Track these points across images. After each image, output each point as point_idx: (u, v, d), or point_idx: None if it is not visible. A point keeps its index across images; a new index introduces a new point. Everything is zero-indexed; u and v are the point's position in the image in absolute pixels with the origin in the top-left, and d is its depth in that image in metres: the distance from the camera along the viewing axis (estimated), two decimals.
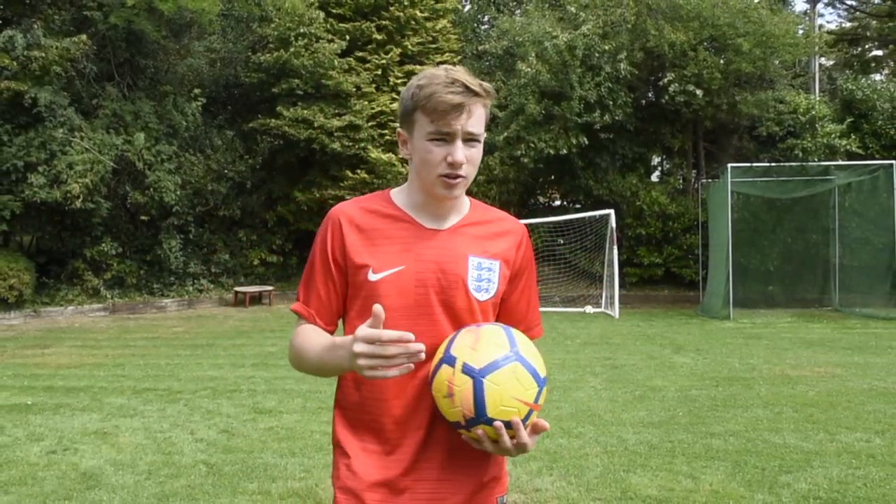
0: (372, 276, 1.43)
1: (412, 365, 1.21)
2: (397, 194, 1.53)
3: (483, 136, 1.44)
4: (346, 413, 1.48)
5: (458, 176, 1.40)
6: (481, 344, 1.30)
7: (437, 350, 1.37)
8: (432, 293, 1.42)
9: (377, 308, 1.21)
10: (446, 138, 1.38)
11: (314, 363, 1.41)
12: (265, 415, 5.83)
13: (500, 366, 1.27)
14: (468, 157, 1.40)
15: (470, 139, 1.40)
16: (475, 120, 1.39)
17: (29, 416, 5.91)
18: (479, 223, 1.53)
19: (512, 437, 1.29)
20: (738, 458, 4.58)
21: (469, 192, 1.55)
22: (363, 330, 1.21)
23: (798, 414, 5.70)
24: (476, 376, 1.26)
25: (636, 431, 5.22)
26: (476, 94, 1.37)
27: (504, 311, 1.56)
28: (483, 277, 1.47)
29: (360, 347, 1.20)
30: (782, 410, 5.82)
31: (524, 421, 1.29)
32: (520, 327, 1.50)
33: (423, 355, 1.19)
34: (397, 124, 1.52)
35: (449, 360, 1.31)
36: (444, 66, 1.44)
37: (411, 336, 1.19)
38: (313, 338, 1.43)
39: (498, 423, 1.26)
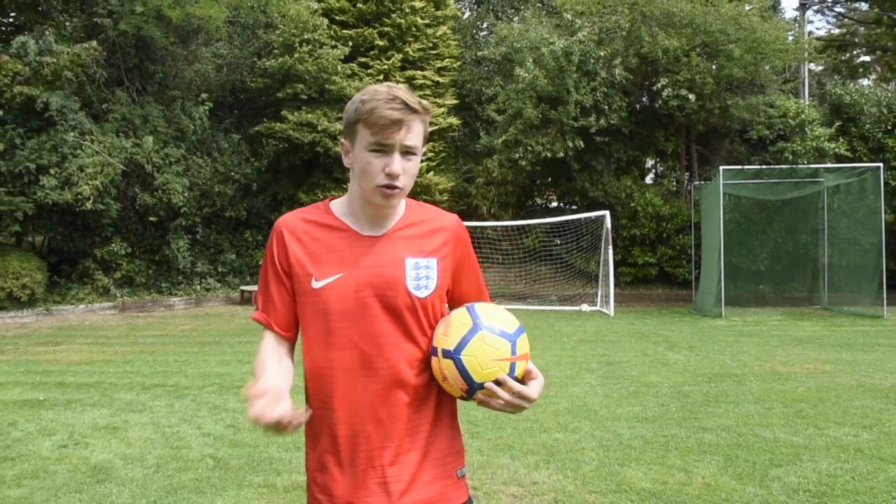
0: (315, 284, 1.50)
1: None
2: (337, 204, 1.59)
3: (420, 149, 1.51)
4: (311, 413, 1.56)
5: (396, 187, 1.45)
6: (451, 329, 1.47)
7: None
8: (372, 297, 1.48)
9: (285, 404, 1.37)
10: (385, 150, 1.44)
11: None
12: None
13: (468, 340, 1.43)
14: (405, 169, 1.46)
15: (407, 152, 1.46)
16: (413, 135, 1.45)
17: (41, 411, 5.91)
18: (414, 224, 1.58)
19: (508, 391, 1.43)
20: (729, 452, 4.58)
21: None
22: (255, 409, 1.34)
23: (788, 409, 5.70)
24: (454, 356, 1.43)
25: (631, 426, 5.22)
26: (414, 110, 1.44)
27: (456, 300, 1.64)
28: (421, 276, 1.53)
29: (252, 412, 1.35)
30: (773, 406, 5.82)
31: (511, 374, 1.44)
32: None
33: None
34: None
35: (433, 352, 1.49)
36: (387, 83, 1.49)
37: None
38: (262, 364, 1.55)
39: (489, 384, 1.42)
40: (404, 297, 1.50)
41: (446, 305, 1.65)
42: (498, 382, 1.42)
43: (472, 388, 1.44)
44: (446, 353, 1.45)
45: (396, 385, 1.48)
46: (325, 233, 1.54)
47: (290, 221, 1.57)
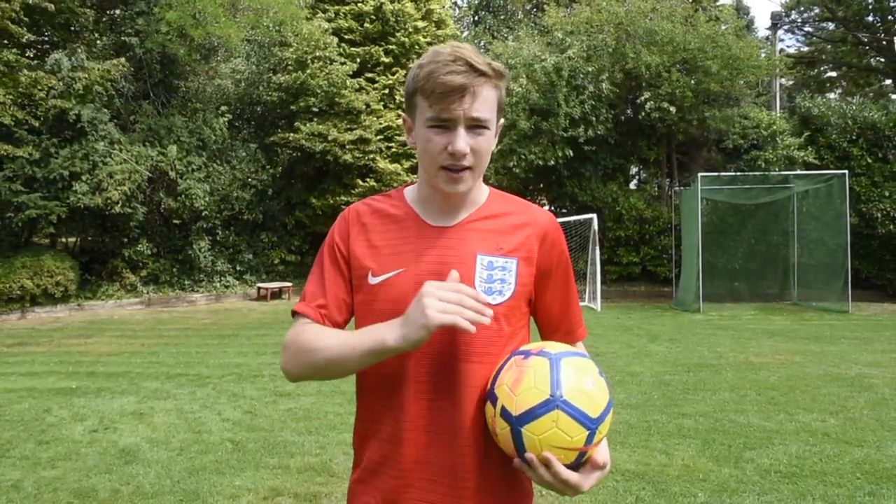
0: (371, 280, 1.19)
1: (474, 328, 1.01)
2: (410, 190, 1.27)
3: (493, 121, 1.15)
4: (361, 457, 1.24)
5: (463, 168, 1.13)
6: (521, 387, 1.05)
7: (489, 377, 1.14)
8: None
9: (454, 273, 1.07)
10: (447, 125, 1.11)
11: (335, 350, 1.12)
12: (285, 397, 5.83)
13: (538, 415, 1.03)
14: (473, 147, 1.12)
15: (475, 125, 1.11)
16: (480, 104, 1.10)
17: (73, 398, 5.91)
18: (495, 216, 1.22)
19: (553, 477, 1.04)
20: (707, 437, 4.58)
21: None
22: (436, 283, 1.05)
23: (761, 397, 5.70)
24: (513, 424, 1.05)
25: (616, 412, 5.22)
26: (482, 73, 1.10)
27: (538, 313, 1.28)
28: (495, 278, 1.16)
29: (432, 289, 1.02)
30: (747, 394, 5.82)
31: (578, 461, 1.05)
32: (558, 332, 1.29)
33: (488, 320, 1.02)
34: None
35: (492, 399, 1.10)
36: (453, 42, 1.14)
37: (487, 299, 1.07)
38: (329, 331, 1.17)
39: (530, 456, 1.04)
40: None
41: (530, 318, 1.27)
42: (546, 461, 1.03)
43: (520, 456, 1.06)
44: (505, 415, 1.05)
45: (454, 407, 1.13)
46: (389, 223, 1.21)
47: (358, 207, 1.27)
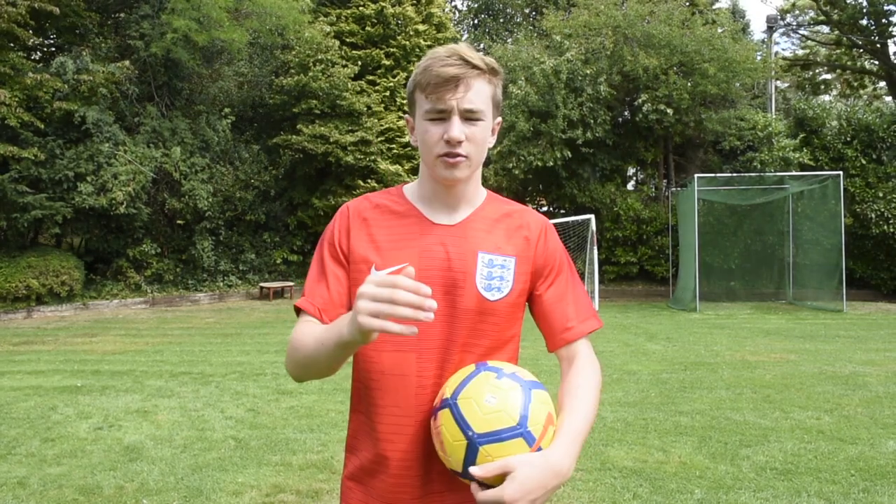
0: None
1: (416, 328, 0.93)
2: (410, 188, 1.29)
3: (487, 113, 1.18)
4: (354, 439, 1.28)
5: (458, 155, 1.15)
6: (490, 407, 1.05)
7: (447, 381, 1.13)
8: (436, 292, 1.13)
9: (410, 269, 0.95)
10: (443, 115, 1.14)
11: (311, 347, 1.11)
12: (287, 395, 5.83)
13: (502, 439, 1.03)
14: (468, 136, 1.15)
15: (469, 116, 1.15)
16: (474, 95, 1.14)
17: (78, 396, 5.91)
18: (493, 217, 1.26)
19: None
20: (703, 434, 4.58)
21: None
22: (377, 273, 0.97)
23: (756, 394, 5.70)
24: (473, 440, 1.03)
25: (614, 410, 5.22)
26: (474, 66, 1.14)
27: (541, 312, 1.27)
28: (494, 275, 1.20)
29: (367, 288, 0.93)
30: (742, 391, 5.82)
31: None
32: (563, 327, 1.26)
33: (431, 316, 0.92)
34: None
35: (452, 408, 1.07)
36: (451, 45, 1.19)
37: (429, 290, 0.92)
38: (311, 330, 1.17)
39: (475, 470, 1.02)
40: (471, 296, 1.17)
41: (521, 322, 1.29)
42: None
43: (463, 468, 1.04)
44: (463, 426, 1.03)
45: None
46: (392, 219, 1.23)
47: (358, 203, 1.28)
